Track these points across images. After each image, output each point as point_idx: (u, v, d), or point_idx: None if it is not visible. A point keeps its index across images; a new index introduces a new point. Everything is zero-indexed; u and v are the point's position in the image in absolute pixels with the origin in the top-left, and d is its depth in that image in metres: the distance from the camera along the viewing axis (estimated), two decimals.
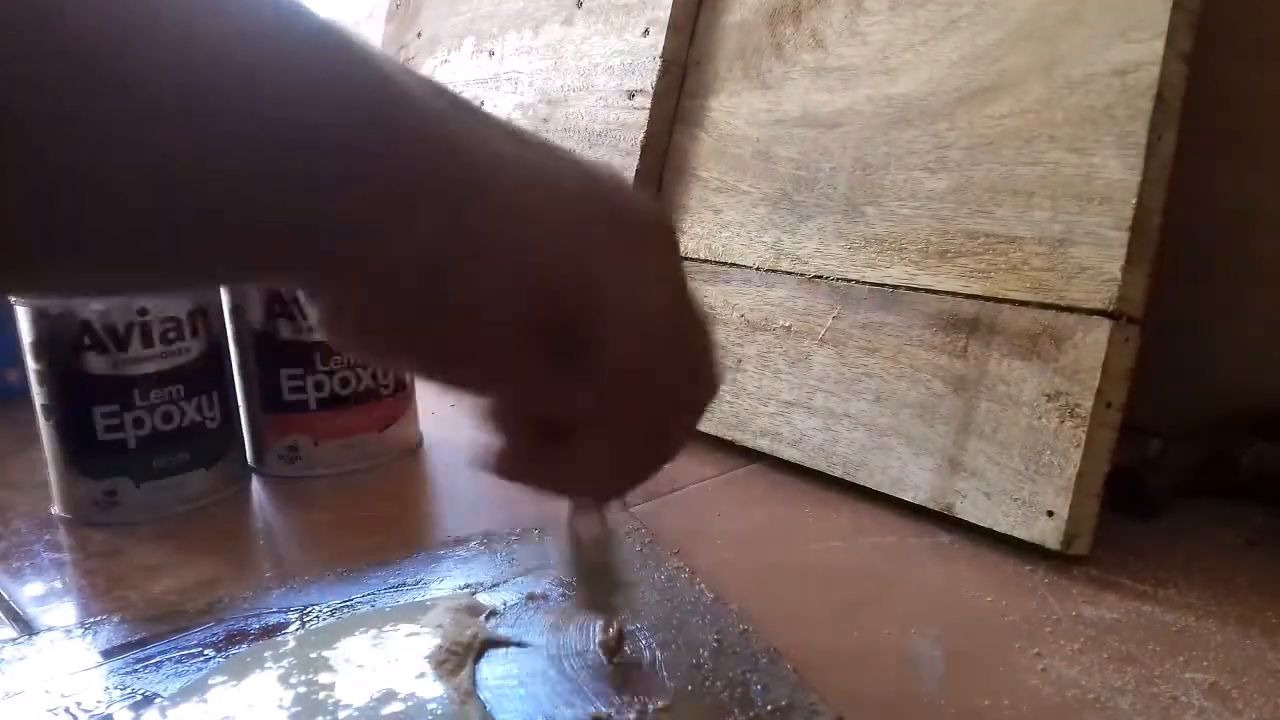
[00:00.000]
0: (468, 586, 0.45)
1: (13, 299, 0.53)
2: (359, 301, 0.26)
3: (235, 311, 0.59)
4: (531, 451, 0.31)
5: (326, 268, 0.25)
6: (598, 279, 0.27)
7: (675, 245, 0.31)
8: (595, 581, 0.37)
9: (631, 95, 0.71)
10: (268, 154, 0.22)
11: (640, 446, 0.31)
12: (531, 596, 0.43)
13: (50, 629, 0.43)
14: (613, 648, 0.38)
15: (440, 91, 0.26)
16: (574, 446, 0.30)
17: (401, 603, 0.43)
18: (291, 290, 0.27)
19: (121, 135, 0.20)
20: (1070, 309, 0.46)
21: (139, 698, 0.37)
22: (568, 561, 0.37)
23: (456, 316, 0.26)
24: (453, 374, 0.29)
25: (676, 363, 0.30)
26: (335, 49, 0.24)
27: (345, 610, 0.43)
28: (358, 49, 0.24)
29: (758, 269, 0.62)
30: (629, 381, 0.29)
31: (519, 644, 0.40)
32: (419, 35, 0.96)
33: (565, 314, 0.27)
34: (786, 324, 0.59)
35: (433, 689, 0.36)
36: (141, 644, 0.41)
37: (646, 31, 0.71)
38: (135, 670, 0.39)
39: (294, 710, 0.36)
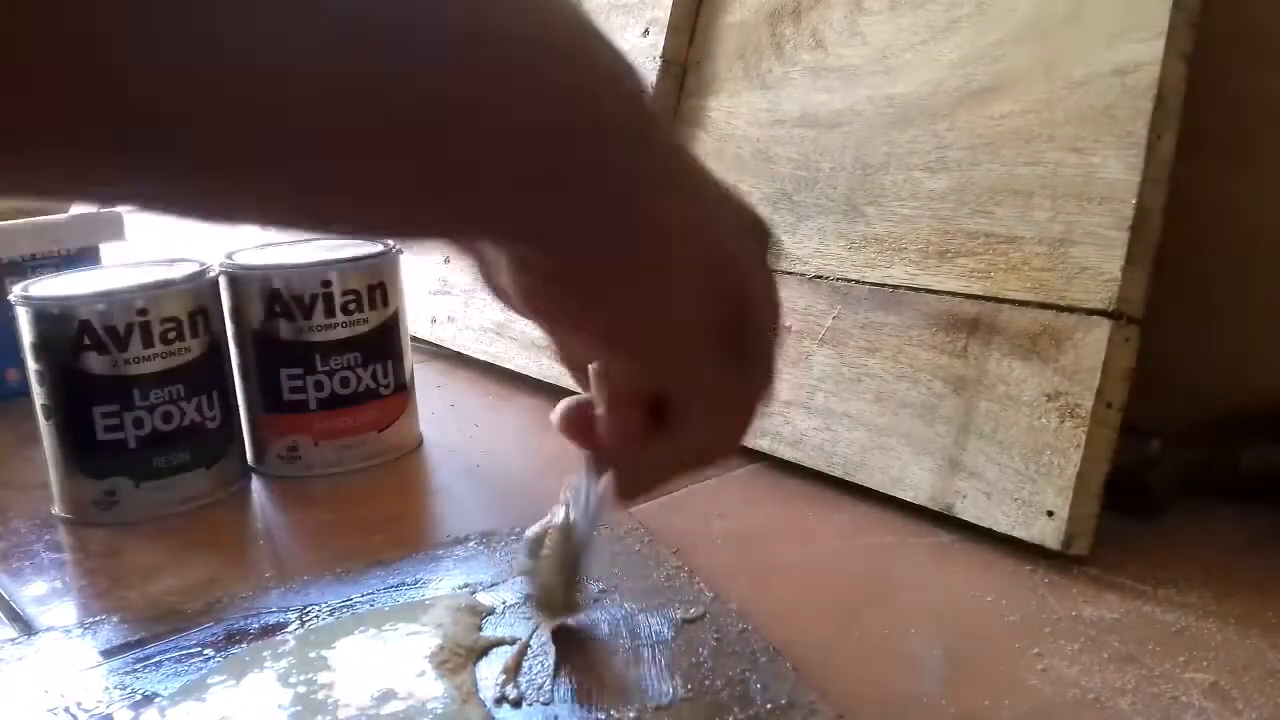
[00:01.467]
0: (467, 586, 0.45)
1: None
2: (551, 266, 0.28)
3: (235, 311, 0.60)
4: (638, 427, 0.34)
5: (530, 217, 0.26)
6: (754, 286, 0.31)
7: (772, 240, 0.34)
8: (561, 576, 0.38)
9: None
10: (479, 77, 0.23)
11: (744, 417, 0.34)
12: (530, 596, 0.43)
13: (50, 629, 0.43)
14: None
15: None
16: (684, 421, 0.33)
17: (401, 602, 0.43)
18: (476, 244, 0.31)
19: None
20: (1070, 309, 0.46)
21: (139, 697, 0.37)
22: (534, 552, 0.38)
23: (663, 307, 0.29)
24: (633, 351, 0.31)
25: (776, 346, 0.34)
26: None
27: (345, 610, 0.43)
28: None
29: None
30: (758, 365, 0.33)
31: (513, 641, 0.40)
32: None
33: (736, 314, 0.30)
34: (786, 324, 0.59)
35: (433, 688, 0.36)
36: (141, 644, 0.41)
37: (646, 31, 0.71)
38: (135, 670, 0.39)
39: (294, 710, 0.36)
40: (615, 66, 0.27)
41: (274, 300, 0.58)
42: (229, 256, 0.60)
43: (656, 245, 0.28)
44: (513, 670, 0.38)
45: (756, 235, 0.32)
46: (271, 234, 0.62)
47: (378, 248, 0.61)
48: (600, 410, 0.34)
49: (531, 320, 0.33)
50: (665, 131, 0.29)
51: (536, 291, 0.29)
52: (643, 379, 0.33)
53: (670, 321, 0.30)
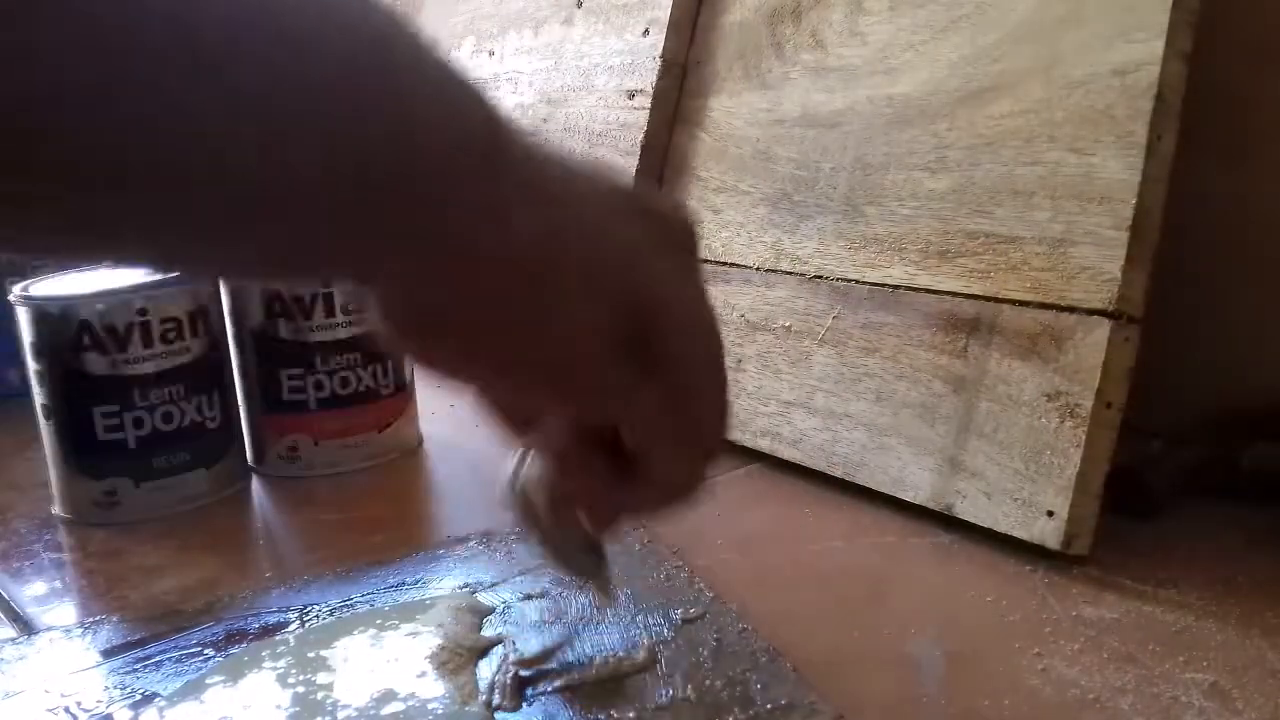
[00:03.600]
0: (467, 586, 0.45)
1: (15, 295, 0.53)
2: (437, 301, 0.27)
3: (235, 311, 0.59)
4: (596, 467, 0.33)
5: (409, 260, 0.26)
6: (661, 289, 0.29)
7: (698, 244, 0.32)
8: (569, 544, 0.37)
9: (631, 95, 0.71)
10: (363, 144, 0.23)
11: (699, 445, 0.32)
12: (530, 596, 0.43)
13: (50, 629, 0.43)
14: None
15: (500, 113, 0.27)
16: (638, 457, 0.31)
17: (401, 602, 0.43)
18: (357, 286, 0.29)
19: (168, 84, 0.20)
20: (1070, 309, 0.46)
21: (139, 697, 0.37)
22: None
23: (546, 325, 0.28)
24: (533, 382, 0.30)
25: (718, 359, 0.32)
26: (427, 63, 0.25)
27: (345, 610, 0.43)
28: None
29: (758, 269, 0.62)
30: (691, 379, 0.31)
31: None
32: None
33: (639, 322, 0.29)
34: (786, 324, 0.59)
35: (433, 688, 0.36)
36: (141, 644, 0.41)
37: (646, 31, 0.71)
38: (135, 670, 0.39)
39: (293, 710, 0.36)
40: (451, 89, 0.26)
41: (274, 300, 0.58)
42: None
43: (525, 265, 0.27)
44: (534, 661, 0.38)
45: (670, 238, 0.30)
46: None
47: None
48: (554, 462, 0.34)
49: (430, 372, 0.31)
50: (522, 143, 0.27)
51: (424, 333, 0.28)
52: (568, 411, 0.32)
53: (557, 339, 0.28)
